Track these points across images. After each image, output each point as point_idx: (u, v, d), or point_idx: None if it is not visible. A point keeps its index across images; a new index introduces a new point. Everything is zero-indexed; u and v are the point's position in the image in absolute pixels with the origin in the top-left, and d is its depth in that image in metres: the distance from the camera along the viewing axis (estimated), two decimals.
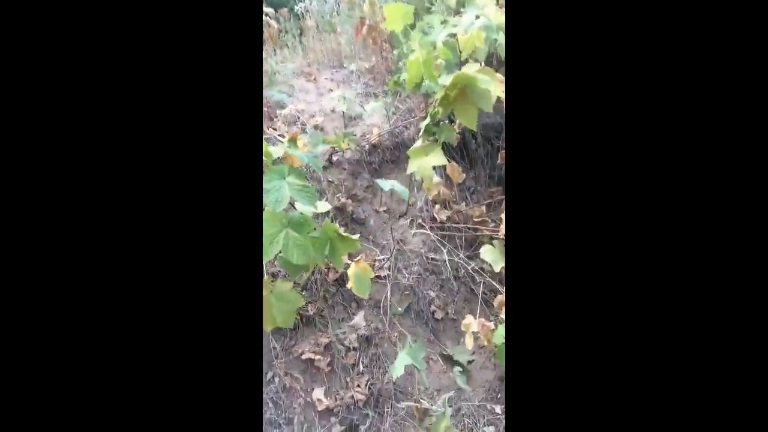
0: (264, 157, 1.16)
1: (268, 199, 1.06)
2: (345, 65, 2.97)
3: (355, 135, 2.05)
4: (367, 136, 2.21)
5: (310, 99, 2.57)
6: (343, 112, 2.06)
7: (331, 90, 2.65)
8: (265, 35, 2.17)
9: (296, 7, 3.10)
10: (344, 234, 1.29)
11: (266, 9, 2.68)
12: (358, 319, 1.65)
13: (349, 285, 1.21)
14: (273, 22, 2.69)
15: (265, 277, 1.50)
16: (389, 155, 2.30)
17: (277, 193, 1.08)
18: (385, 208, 2.17)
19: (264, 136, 2.01)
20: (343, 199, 1.94)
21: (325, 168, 2.03)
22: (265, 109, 2.09)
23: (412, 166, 1.86)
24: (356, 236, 1.30)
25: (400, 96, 2.39)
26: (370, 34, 2.72)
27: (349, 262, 1.25)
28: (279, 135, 1.94)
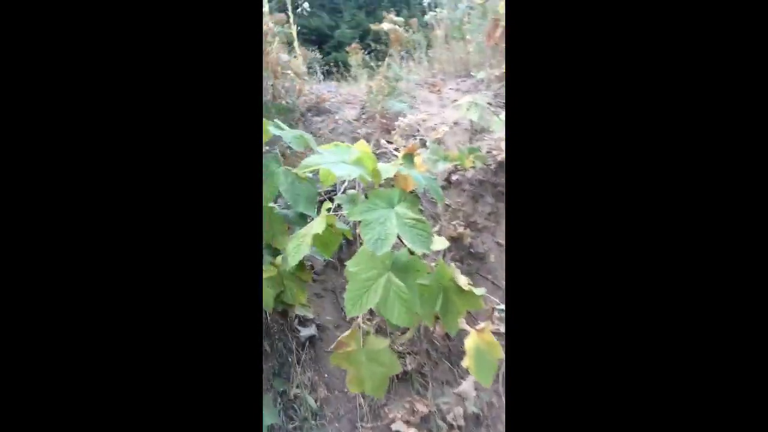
0: (371, 177, 0.86)
1: (367, 236, 0.74)
2: (473, 74, 2.59)
3: (480, 151, 1.65)
4: (495, 153, 1.79)
5: (433, 110, 2.25)
6: (471, 122, 1.68)
7: (455, 100, 2.30)
8: (392, 39, 1.92)
9: (426, 16, 2.84)
10: (464, 285, 0.90)
11: (395, 18, 2.47)
12: (467, 386, 1.24)
13: (465, 363, 0.82)
14: (401, 30, 2.46)
15: (360, 316, 1.20)
16: None
17: (381, 227, 0.76)
18: None
19: (378, 150, 1.75)
20: (460, 229, 1.55)
21: (442, 188, 1.68)
22: (382, 120, 1.83)
23: None
24: (481, 291, 0.90)
25: None
26: (503, 38, 2.32)
27: (469, 328, 0.86)
28: (395, 149, 1.65)
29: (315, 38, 3.37)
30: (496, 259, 1.69)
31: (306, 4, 2.19)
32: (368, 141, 1.65)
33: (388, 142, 1.69)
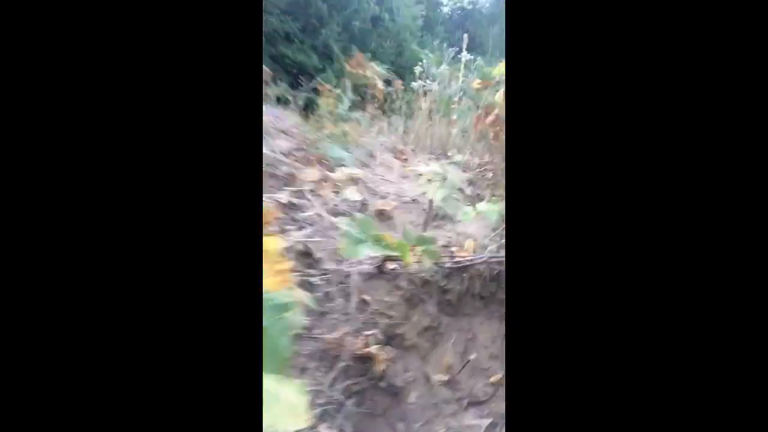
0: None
1: None
2: (449, 155, 2.25)
3: (434, 244, 1.17)
4: (455, 250, 1.32)
5: (390, 177, 1.81)
6: (430, 203, 1.22)
7: (421, 175, 1.90)
8: (356, 76, 1.53)
9: (415, 84, 2.56)
10: None
11: (380, 69, 2.15)
12: None
13: None
14: (380, 84, 2.12)
15: None
16: (479, 288, 1.35)
17: None
18: (450, 376, 1.16)
19: (270, 226, 1.23)
20: (373, 347, 1.00)
21: (369, 277, 1.15)
22: (317, 170, 1.35)
23: None
24: None
25: None
26: (494, 127, 2.03)
27: None
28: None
29: (295, 71, 3.02)
30: (420, 399, 1.12)
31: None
32: (286, 184, 1.13)
33: (307, 199, 1.18)
